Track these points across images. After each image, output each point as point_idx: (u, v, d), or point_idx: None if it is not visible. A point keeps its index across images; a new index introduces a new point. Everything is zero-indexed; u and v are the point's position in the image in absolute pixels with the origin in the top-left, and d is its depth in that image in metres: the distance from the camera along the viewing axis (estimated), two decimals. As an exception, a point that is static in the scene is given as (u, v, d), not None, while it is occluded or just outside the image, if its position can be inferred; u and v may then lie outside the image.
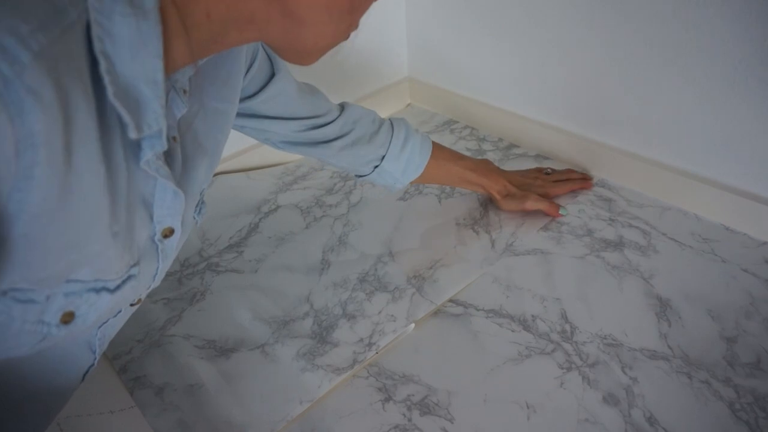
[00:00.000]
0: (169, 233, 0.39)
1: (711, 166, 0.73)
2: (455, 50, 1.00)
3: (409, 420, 0.53)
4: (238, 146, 0.91)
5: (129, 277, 0.36)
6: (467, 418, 0.53)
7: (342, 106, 0.68)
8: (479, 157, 0.85)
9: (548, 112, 0.90)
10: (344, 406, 0.55)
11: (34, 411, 0.45)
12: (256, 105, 0.59)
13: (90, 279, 0.33)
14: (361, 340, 0.61)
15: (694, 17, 0.66)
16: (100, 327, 0.42)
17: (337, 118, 0.66)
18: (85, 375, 0.47)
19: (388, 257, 0.72)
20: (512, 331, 0.61)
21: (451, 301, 0.65)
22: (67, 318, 0.34)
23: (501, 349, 0.59)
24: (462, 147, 0.95)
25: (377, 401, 0.55)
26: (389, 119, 0.72)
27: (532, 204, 0.76)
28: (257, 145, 0.93)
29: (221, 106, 0.47)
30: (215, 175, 0.89)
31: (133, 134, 0.30)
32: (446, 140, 0.98)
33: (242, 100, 0.57)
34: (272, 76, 0.58)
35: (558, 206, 0.77)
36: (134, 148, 0.33)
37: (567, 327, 0.61)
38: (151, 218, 0.37)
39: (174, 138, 0.39)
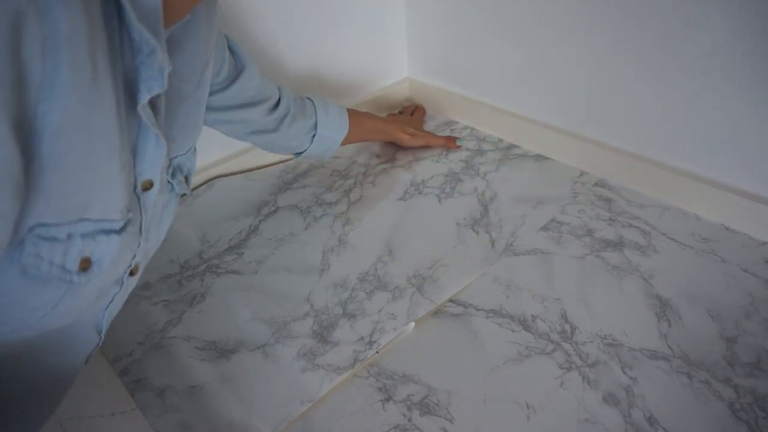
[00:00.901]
0: (148, 186, 0.40)
1: (711, 166, 0.73)
2: (455, 50, 1.00)
3: (409, 420, 0.53)
4: (238, 147, 0.91)
5: (128, 221, 0.38)
6: (467, 418, 0.53)
7: (277, 86, 0.73)
8: (470, 151, 0.94)
9: (548, 112, 0.90)
10: (344, 406, 0.55)
11: (37, 401, 0.46)
12: (229, 97, 0.62)
13: (99, 218, 0.35)
14: (362, 338, 0.61)
15: (694, 16, 0.66)
16: (107, 308, 0.43)
17: (282, 97, 0.72)
18: (88, 358, 0.47)
19: (388, 257, 0.72)
20: (512, 331, 0.61)
21: (451, 301, 0.65)
22: (85, 264, 0.36)
23: (501, 349, 0.59)
24: (462, 147, 0.96)
25: (377, 401, 0.55)
26: (302, 95, 0.78)
27: (434, 141, 0.94)
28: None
29: (183, 86, 0.47)
30: (214, 177, 0.89)
31: (158, 60, 0.33)
32: (446, 140, 0.98)
33: (215, 93, 0.61)
34: (242, 69, 0.62)
35: (454, 138, 0.96)
36: (130, 89, 0.34)
37: (567, 327, 0.61)
38: (134, 167, 0.38)
39: (158, 95, 0.40)
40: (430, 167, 0.91)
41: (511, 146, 0.95)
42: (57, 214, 0.33)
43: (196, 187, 0.87)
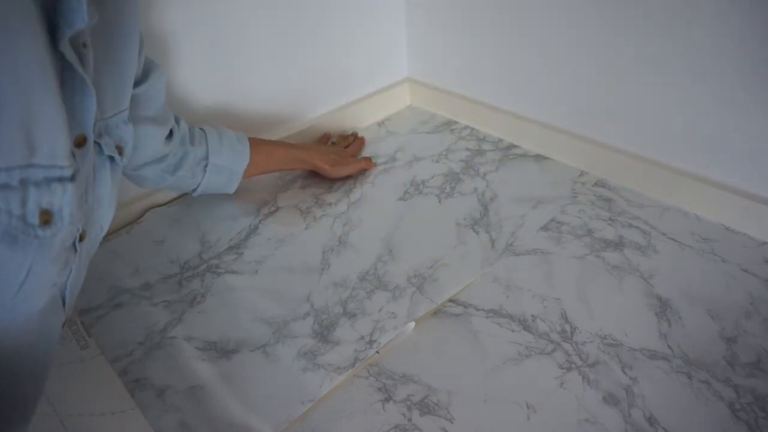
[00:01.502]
0: (82, 141, 0.40)
1: (711, 166, 0.73)
2: (455, 50, 1.00)
3: (409, 420, 0.53)
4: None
5: (77, 171, 0.38)
6: (467, 418, 0.53)
7: (173, 114, 0.70)
8: (470, 151, 0.92)
9: (548, 112, 0.90)
10: (344, 406, 0.55)
11: (18, 387, 0.44)
12: (141, 99, 0.59)
13: (48, 163, 0.35)
14: (362, 338, 0.61)
15: (694, 16, 0.66)
16: (67, 278, 0.43)
17: (176, 126, 0.70)
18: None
19: (388, 256, 0.72)
20: (512, 331, 0.61)
21: (451, 301, 0.65)
22: (46, 217, 0.35)
23: (501, 349, 0.59)
24: (462, 147, 0.96)
25: (377, 401, 0.55)
26: (194, 125, 0.75)
27: (356, 166, 0.89)
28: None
29: (110, 39, 0.47)
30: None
31: None
32: (446, 140, 0.98)
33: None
34: (151, 65, 0.61)
35: (369, 159, 0.91)
36: (52, 26, 0.35)
37: (567, 327, 0.61)
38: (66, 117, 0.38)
39: (84, 44, 0.39)
40: (430, 167, 0.91)
41: (511, 146, 0.95)
42: (2, 157, 0.32)
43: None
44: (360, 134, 1.00)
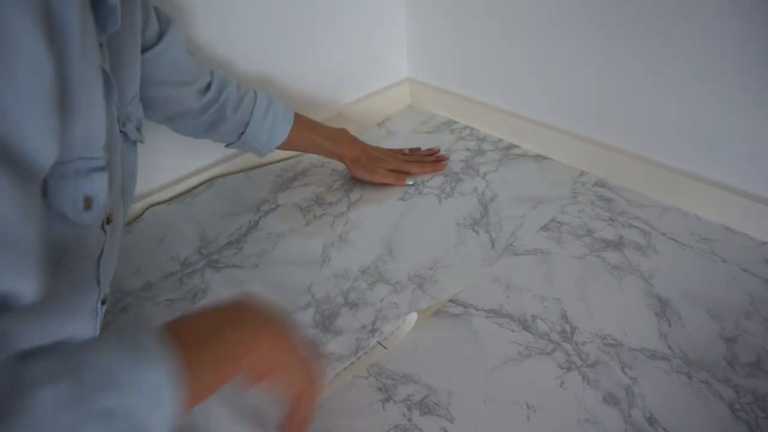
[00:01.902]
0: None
1: (711, 166, 0.73)
2: (455, 50, 1.00)
3: (409, 420, 0.53)
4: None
5: (107, 161, 0.41)
6: (467, 418, 0.53)
7: (210, 70, 0.72)
8: (470, 151, 0.92)
9: (548, 112, 0.90)
10: (344, 406, 0.55)
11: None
12: (154, 58, 0.61)
13: (91, 156, 0.38)
14: (364, 327, 0.61)
15: (694, 16, 0.66)
16: (99, 258, 0.45)
17: (212, 82, 0.71)
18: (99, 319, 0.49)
19: (388, 256, 0.72)
20: (512, 331, 0.61)
21: (451, 301, 0.65)
22: (88, 203, 0.39)
23: (501, 349, 0.59)
24: (462, 147, 0.96)
25: (377, 401, 0.55)
26: (252, 88, 0.76)
27: (380, 177, 0.84)
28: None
29: (125, 30, 0.50)
30: (214, 178, 0.89)
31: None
32: (446, 140, 0.98)
33: (148, 49, 0.61)
34: (168, 21, 0.63)
35: (405, 177, 0.86)
36: None
37: (567, 327, 0.61)
38: None
39: (100, 44, 0.42)
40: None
41: (511, 146, 0.95)
42: (69, 151, 0.35)
43: (196, 186, 0.87)
44: (443, 154, 0.93)
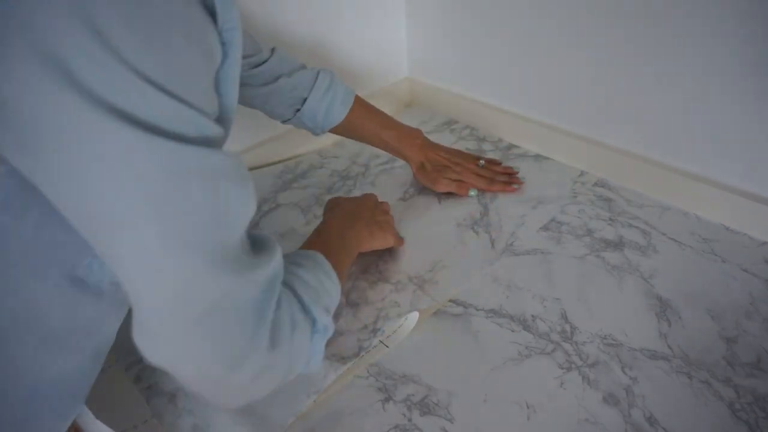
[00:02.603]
0: None
1: (711, 166, 0.73)
2: (455, 50, 1.00)
3: (409, 420, 0.53)
4: (237, 147, 0.91)
5: None
6: (467, 418, 0.53)
7: (271, 48, 0.74)
8: (470, 151, 0.89)
9: (548, 112, 0.90)
10: (344, 406, 0.55)
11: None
12: None
13: None
14: (366, 326, 0.61)
15: (694, 16, 0.66)
16: None
17: (269, 58, 0.72)
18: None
19: (389, 256, 0.72)
20: (512, 331, 0.61)
21: (451, 301, 0.65)
22: None
23: (501, 349, 0.59)
24: (462, 147, 0.95)
25: (377, 401, 0.55)
26: (317, 68, 0.77)
27: (442, 187, 0.81)
28: (256, 145, 0.93)
29: None
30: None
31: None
32: (446, 140, 0.98)
33: None
34: None
35: (468, 187, 0.82)
36: None
37: (567, 327, 0.61)
38: None
39: None
40: (430, 167, 0.91)
41: (511, 146, 0.95)
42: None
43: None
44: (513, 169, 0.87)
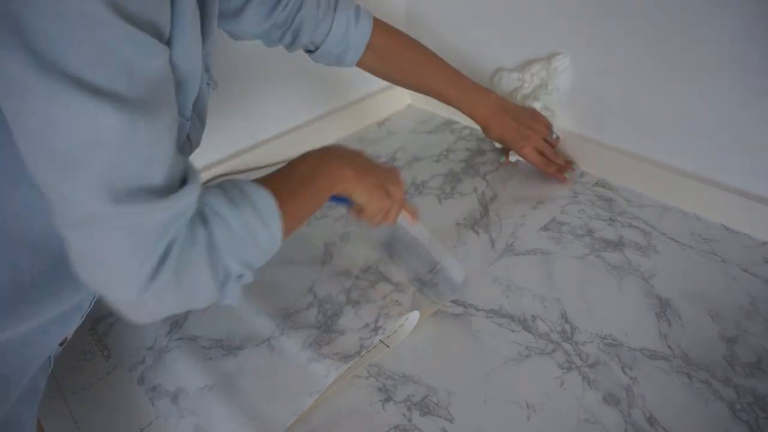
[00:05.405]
0: None
1: (711, 166, 0.73)
2: (455, 50, 1.00)
3: (409, 420, 0.53)
4: (238, 147, 0.91)
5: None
6: (467, 418, 0.53)
7: None
8: (470, 151, 0.89)
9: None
10: (344, 406, 0.55)
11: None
12: None
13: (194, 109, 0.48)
14: (367, 325, 0.61)
15: (694, 16, 0.66)
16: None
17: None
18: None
19: (388, 259, 0.72)
20: (512, 331, 0.61)
21: (451, 301, 0.65)
22: (188, 141, 0.50)
23: (501, 349, 0.59)
24: (462, 147, 0.96)
25: (377, 401, 0.55)
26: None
27: (531, 156, 0.79)
28: (256, 146, 0.93)
29: None
30: (215, 177, 0.89)
31: None
32: (446, 140, 0.98)
33: None
34: None
35: (562, 169, 0.80)
36: None
37: (567, 327, 0.61)
38: None
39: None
40: (430, 167, 0.91)
41: (511, 146, 0.95)
42: (185, 111, 0.46)
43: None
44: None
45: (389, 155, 0.95)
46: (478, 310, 0.64)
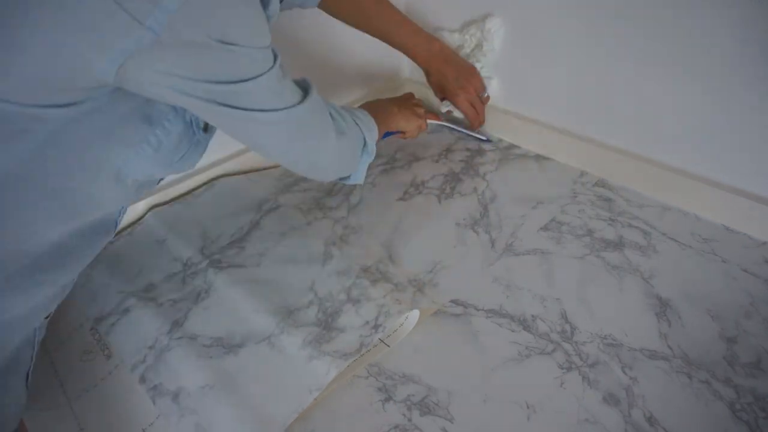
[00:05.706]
0: None
1: (711, 166, 0.73)
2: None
3: (409, 420, 0.53)
4: (237, 146, 0.91)
5: None
6: (467, 418, 0.53)
7: None
8: (470, 150, 0.92)
9: (549, 112, 0.90)
10: (344, 406, 0.55)
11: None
12: None
13: None
14: (367, 323, 0.61)
15: (694, 16, 0.66)
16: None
17: None
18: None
19: (388, 258, 0.72)
20: (512, 331, 0.61)
21: (451, 301, 0.65)
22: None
23: (501, 349, 0.59)
24: (462, 147, 0.96)
25: (377, 401, 0.55)
26: None
27: (464, 106, 0.88)
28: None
29: None
30: (215, 178, 0.89)
31: None
32: (446, 140, 0.98)
33: None
34: None
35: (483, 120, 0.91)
36: None
37: (567, 327, 0.61)
38: None
39: None
40: (430, 167, 0.91)
41: (511, 146, 0.95)
42: None
43: (197, 187, 0.88)
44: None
45: (389, 155, 0.95)
46: (478, 310, 0.64)
